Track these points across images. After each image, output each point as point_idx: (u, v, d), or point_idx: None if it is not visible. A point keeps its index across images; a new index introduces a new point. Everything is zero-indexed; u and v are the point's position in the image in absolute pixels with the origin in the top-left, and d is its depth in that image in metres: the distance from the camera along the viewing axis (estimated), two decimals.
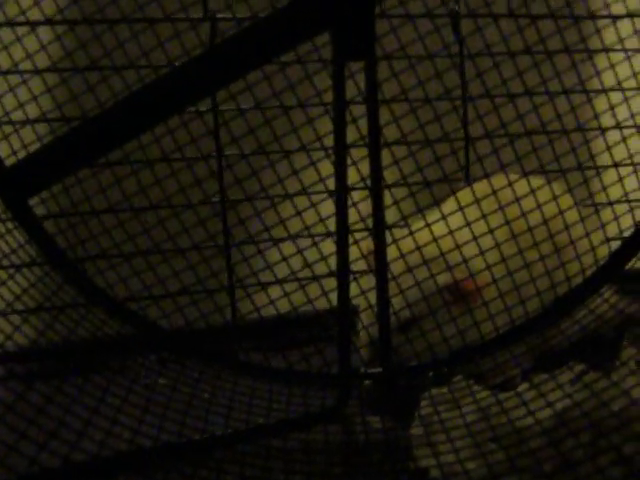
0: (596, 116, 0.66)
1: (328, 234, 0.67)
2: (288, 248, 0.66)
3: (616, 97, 0.68)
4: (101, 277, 0.64)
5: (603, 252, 0.66)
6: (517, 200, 0.62)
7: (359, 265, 0.66)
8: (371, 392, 0.65)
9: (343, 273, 0.63)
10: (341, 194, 0.62)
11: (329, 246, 0.63)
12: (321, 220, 0.63)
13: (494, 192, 0.62)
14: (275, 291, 0.68)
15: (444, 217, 0.63)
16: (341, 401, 0.63)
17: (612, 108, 0.66)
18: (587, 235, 0.65)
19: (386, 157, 0.62)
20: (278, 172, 0.63)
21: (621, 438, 0.51)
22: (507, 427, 0.55)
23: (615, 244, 0.66)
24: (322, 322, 0.70)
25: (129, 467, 0.52)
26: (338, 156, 0.61)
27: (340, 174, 0.61)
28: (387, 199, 0.62)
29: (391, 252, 0.63)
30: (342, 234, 0.63)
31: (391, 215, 0.64)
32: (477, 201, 0.62)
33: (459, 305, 0.65)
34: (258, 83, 0.59)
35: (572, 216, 0.65)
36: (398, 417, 0.62)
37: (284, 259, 0.64)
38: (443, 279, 0.64)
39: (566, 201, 0.66)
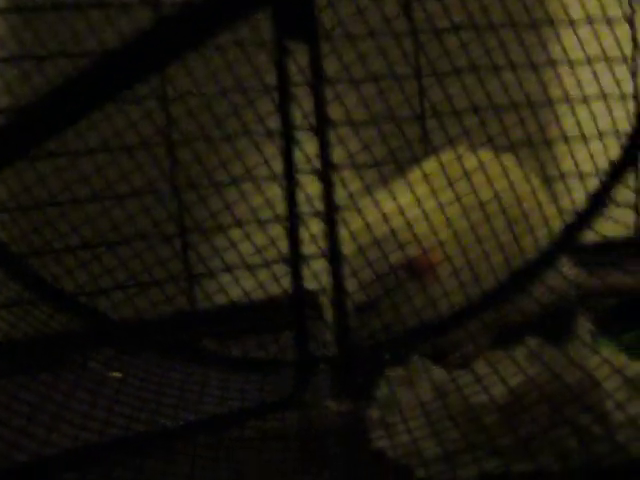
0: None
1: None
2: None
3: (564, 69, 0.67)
4: (46, 271, 0.63)
5: (557, 225, 0.66)
6: (490, 179, 0.62)
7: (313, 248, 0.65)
8: (329, 377, 0.64)
9: (295, 258, 0.62)
10: (290, 179, 0.61)
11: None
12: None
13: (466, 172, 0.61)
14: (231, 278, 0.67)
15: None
16: (299, 387, 0.62)
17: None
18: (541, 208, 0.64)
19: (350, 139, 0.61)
20: (221, 157, 0.61)
21: (576, 410, 0.51)
22: (462, 405, 0.54)
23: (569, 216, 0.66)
24: (278, 308, 0.69)
25: (75, 463, 0.51)
26: (285, 139, 0.60)
27: (288, 158, 0.61)
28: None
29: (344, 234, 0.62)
30: (292, 219, 0.62)
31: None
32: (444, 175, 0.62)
33: (414, 283, 0.64)
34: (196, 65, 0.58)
35: (526, 189, 0.65)
36: (357, 400, 0.61)
37: (232, 245, 0.63)
38: (396, 257, 0.63)
39: (520, 174, 0.65)
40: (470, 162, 0.62)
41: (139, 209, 0.63)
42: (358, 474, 0.52)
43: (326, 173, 0.61)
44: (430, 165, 0.66)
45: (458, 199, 0.62)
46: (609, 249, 0.80)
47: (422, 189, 0.63)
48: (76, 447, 0.50)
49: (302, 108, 0.60)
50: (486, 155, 0.64)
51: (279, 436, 0.57)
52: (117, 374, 0.61)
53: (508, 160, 0.66)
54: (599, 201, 0.61)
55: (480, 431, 0.52)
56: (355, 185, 0.63)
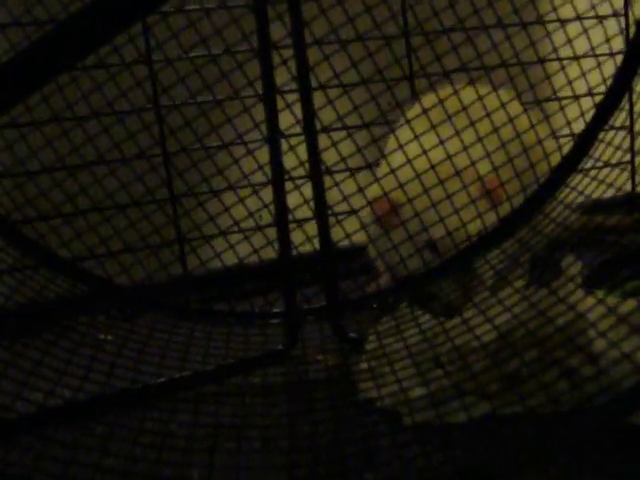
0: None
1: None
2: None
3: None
4: (44, 239, 0.64)
5: (543, 168, 0.66)
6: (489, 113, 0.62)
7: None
8: (318, 330, 0.65)
9: (282, 214, 0.63)
10: (274, 139, 0.62)
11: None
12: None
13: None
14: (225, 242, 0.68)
15: None
16: (289, 341, 0.64)
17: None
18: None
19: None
20: (213, 121, 0.62)
21: (566, 352, 0.52)
22: (452, 353, 0.55)
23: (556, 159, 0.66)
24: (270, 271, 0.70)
25: (81, 413, 0.53)
26: (268, 102, 0.61)
27: (271, 120, 0.62)
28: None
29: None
30: (278, 181, 0.63)
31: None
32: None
33: (389, 222, 0.65)
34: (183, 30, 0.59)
35: (525, 123, 0.65)
36: (346, 352, 0.62)
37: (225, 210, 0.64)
38: (372, 193, 0.64)
39: (519, 109, 0.66)
40: (468, 96, 0.62)
41: (131, 177, 0.64)
42: (347, 424, 0.52)
43: (311, 137, 0.62)
44: (429, 99, 0.66)
45: (457, 133, 0.61)
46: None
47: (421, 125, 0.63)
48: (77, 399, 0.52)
49: (290, 72, 0.61)
50: (484, 89, 0.63)
51: (268, 388, 0.58)
52: (107, 336, 0.63)
53: (507, 95, 0.65)
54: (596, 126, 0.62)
55: (470, 377, 0.53)
56: (346, 148, 0.64)
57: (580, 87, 0.66)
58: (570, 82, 0.65)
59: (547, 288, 0.58)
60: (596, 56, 0.66)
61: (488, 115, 0.61)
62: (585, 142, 0.64)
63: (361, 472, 0.46)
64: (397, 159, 0.64)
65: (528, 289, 0.58)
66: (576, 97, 0.66)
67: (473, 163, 0.62)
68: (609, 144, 0.66)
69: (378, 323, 0.64)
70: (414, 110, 0.68)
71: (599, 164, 0.67)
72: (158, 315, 0.66)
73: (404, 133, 0.64)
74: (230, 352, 0.62)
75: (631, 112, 0.91)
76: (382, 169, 0.66)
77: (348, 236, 0.64)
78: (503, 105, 0.62)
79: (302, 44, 0.61)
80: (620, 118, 0.67)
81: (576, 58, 0.65)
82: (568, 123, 0.65)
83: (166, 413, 0.53)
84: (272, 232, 0.66)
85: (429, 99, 0.66)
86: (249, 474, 0.46)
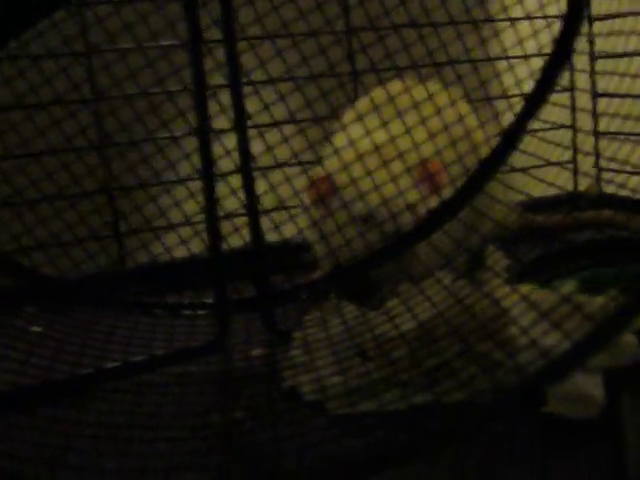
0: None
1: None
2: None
3: None
4: None
5: (471, 161, 0.67)
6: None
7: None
8: (249, 321, 0.66)
9: (211, 213, 0.63)
10: (204, 134, 0.62)
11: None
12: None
13: None
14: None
15: None
16: (219, 333, 0.64)
17: None
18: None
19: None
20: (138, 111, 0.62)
21: (479, 339, 0.53)
22: (372, 342, 0.56)
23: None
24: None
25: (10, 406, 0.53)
26: (198, 95, 0.61)
27: (201, 112, 0.62)
28: None
29: None
30: (208, 174, 0.63)
31: None
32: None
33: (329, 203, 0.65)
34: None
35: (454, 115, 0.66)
36: (275, 343, 0.63)
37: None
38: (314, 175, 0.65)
39: (447, 99, 0.67)
40: (396, 89, 0.64)
41: (59, 166, 0.63)
42: (271, 411, 0.53)
43: (241, 126, 0.62)
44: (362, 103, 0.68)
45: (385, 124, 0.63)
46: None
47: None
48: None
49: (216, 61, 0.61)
50: (412, 81, 0.65)
51: (197, 379, 0.58)
52: (38, 329, 0.62)
53: (434, 86, 0.67)
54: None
55: (388, 365, 0.54)
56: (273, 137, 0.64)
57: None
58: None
59: (472, 282, 0.59)
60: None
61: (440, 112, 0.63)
62: (513, 135, 0.65)
63: (278, 457, 0.46)
64: (341, 142, 0.65)
65: (455, 283, 0.59)
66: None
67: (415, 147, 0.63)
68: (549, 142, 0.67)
69: (307, 314, 0.64)
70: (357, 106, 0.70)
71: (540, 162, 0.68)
72: (97, 308, 0.66)
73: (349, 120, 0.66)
74: (158, 343, 0.62)
75: (573, 109, 0.93)
76: (325, 150, 0.67)
77: (277, 227, 0.64)
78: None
79: (232, 39, 0.61)
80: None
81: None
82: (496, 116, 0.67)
83: (80, 405, 0.53)
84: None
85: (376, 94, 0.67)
86: (163, 460, 0.46)
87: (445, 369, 0.52)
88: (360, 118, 0.63)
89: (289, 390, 0.55)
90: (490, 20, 0.70)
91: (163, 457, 0.46)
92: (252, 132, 0.62)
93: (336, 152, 0.64)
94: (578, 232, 0.85)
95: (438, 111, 0.63)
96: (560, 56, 0.62)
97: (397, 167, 0.64)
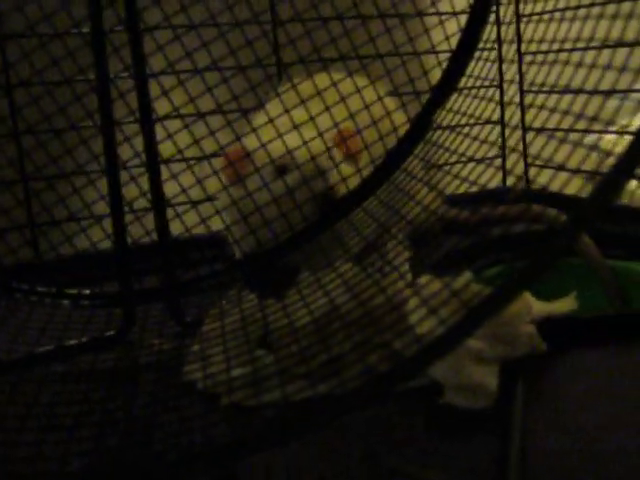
0: None
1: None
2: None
3: None
4: None
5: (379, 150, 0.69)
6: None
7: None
8: (155, 315, 0.65)
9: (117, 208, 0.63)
10: (108, 129, 0.62)
11: None
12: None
13: None
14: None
15: None
16: (125, 325, 0.64)
17: None
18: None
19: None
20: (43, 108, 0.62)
21: (376, 330, 0.53)
22: (273, 333, 0.56)
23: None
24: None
25: None
26: (101, 88, 0.61)
27: (105, 108, 0.62)
28: None
29: None
30: (113, 170, 0.63)
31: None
32: None
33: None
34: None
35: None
36: (181, 336, 0.63)
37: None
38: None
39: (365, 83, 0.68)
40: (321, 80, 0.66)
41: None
42: (167, 404, 0.53)
43: (147, 122, 0.62)
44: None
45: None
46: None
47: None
48: None
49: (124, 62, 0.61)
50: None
51: (95, 371, 0.58)
52: None
53: (361, 80, 0.68)
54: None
55: (289, 356, 0.54)
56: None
57: None
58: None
59: (372, 273, 0.59)
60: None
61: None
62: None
63: (168, 450, 0.46)
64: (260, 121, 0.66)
65: (354, 274, 0.59)
66: None
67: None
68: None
69: (215, 306, 0.64)
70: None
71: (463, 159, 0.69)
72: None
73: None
74: (59, 334, 0.62)
75: (502, 103, 0.94)
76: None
77: (178, 215, 0.64)
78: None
79: (137, 30, 0.61)
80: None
81: None
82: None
83: None
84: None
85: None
86: (54, 447, 0.46)
87: (345, 359, 0.53)
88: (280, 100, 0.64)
89: (188, 383, 0.55)
90: (421, 15, 0.71)
91: (56, 444, 0.46)
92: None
93: (254, 130, 0.65)
94: (499, 226, 0.86)
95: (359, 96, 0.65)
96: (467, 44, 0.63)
97: (316, 146, 0.65)
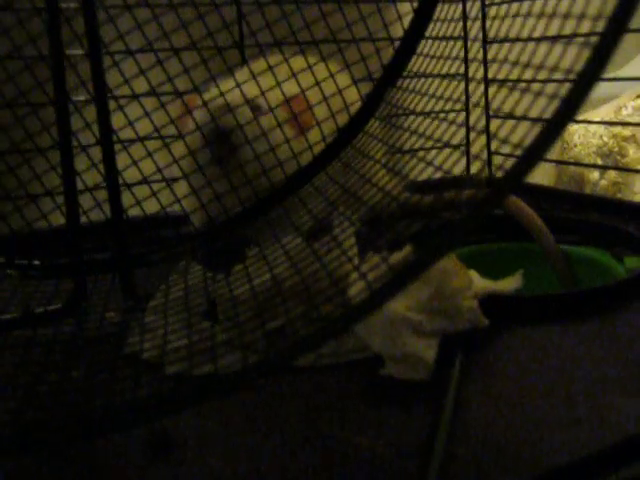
0: None
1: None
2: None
3: None
4: None
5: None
6: None
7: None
8: (107, 286, 0.66)
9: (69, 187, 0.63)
10: (61, 103, 0.62)
11: None
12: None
13: None
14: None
15: None
16: (75, 297, 0.64)
17: None
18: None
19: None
20: None
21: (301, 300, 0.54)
22: (220, 304, 0.57)
23: None
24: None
25: None
26: (55, 64, 0.61)
27: (58, 82, 0.62)
28: None
29: None
30: (66, 147, 0.63)
31: None
32: None
33: None
34: None
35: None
36: (130, 308, 0.63)
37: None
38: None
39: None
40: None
41: None
42: (109, 375, 0.53)
43: (100, 97, 0.63)
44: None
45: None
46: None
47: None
48: None
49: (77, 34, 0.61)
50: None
51: (44, 342, 0.58)
52: None
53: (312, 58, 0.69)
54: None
55: (233, 327, 0.54)
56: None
57: None
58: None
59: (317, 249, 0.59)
60: None
61: None
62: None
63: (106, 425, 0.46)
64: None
65: (300, 249, 0.60)
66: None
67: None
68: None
69: (166, 280, 0.64)
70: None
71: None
72: None
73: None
74: (5, 305, 0.62)
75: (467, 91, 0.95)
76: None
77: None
78: None
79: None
80: None
81: None
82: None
83: None
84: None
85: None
86: None
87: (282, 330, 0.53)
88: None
89: (131, 355, 0.56)
90: None
91: None
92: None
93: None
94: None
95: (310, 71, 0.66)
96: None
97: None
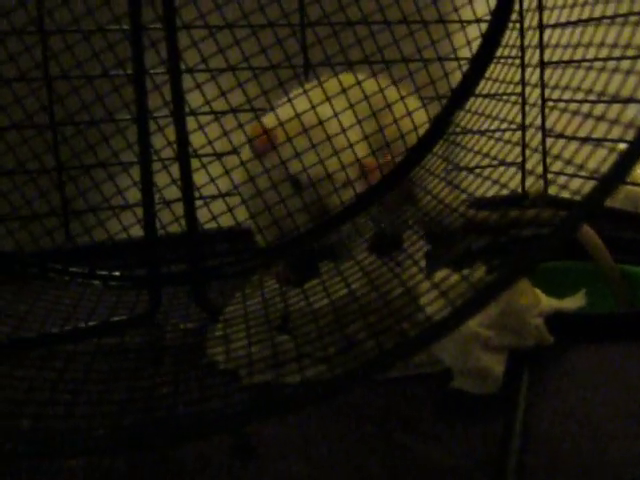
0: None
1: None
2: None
3: None
4: None
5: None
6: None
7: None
8: (181, 296, 0.68)
9: (148, 192, 0.66)
10: (142, 119, 0.65)
11: None
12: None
13: None
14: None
15: None
16: (151, 307, 0.66)
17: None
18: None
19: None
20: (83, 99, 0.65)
21: (394, 319, 0.55)
22: (295, 319, 0.59)
23: None
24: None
25: None
26: (137, 81, 0.64)
27: (140, 100, 0.65)
28: None
29: None
30: (145, 162, 0.66)
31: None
32: None
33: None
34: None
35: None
36: (206, 318, 0.66)
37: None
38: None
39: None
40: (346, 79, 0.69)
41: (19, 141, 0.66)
42: (190, 383, 0.55)
43: (179, 114, 0.65)
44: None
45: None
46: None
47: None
48: None
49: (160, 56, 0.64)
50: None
51: (121, 350, 0.61)
52: None
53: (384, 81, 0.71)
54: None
55: (308, 341, 0.56)
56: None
57: None
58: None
59: (387, 261, 0.61)
60: None
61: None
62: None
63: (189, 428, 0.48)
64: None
65: (371, 262, 0.62)
66: None
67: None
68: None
69: (238, 291, 0.67)
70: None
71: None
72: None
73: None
74: (89, 313, 0.64)
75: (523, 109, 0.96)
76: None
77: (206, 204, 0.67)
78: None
79: (173, 28, 0.64)
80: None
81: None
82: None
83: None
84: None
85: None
86: (81, 421, 0.48)
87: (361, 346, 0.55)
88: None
89: (211, 363, 0.58)
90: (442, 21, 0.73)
91: (76, 417, 0.48)
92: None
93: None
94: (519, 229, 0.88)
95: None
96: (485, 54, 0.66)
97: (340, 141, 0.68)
